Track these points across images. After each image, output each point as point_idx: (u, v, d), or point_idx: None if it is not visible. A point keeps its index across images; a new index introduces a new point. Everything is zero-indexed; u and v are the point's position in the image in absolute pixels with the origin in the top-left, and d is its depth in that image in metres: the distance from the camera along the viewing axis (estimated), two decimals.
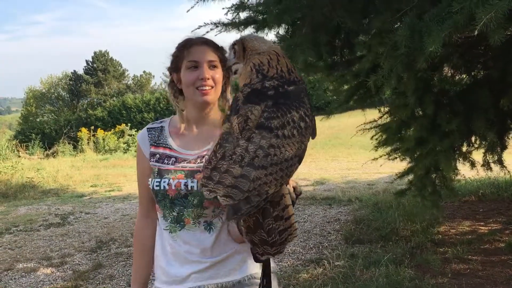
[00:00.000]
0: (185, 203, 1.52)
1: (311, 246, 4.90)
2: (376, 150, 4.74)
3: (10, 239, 6.03)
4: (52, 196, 9.36)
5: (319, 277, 3.93)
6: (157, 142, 1.64)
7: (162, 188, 1.54)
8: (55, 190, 9.96)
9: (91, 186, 10.32)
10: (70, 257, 5.14)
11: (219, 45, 1.62)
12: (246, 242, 1.51)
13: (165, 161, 1.59)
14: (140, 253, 1.71)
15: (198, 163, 1.55)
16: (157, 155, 1.61)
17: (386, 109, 4.37)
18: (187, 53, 1.56)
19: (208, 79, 1.54)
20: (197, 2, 3.58)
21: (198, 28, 3.48)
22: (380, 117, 4.43)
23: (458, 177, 4.63)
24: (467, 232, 4.95)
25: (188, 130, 1.65)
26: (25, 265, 4.92)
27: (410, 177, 4.50)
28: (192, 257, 1.55)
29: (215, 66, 1.57)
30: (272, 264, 1.62)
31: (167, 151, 1.61)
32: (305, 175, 9.18)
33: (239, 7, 3.60)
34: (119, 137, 17.95)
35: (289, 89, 1.27)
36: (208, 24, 3.61)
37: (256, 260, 1.37)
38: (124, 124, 19.24)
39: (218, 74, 1.58)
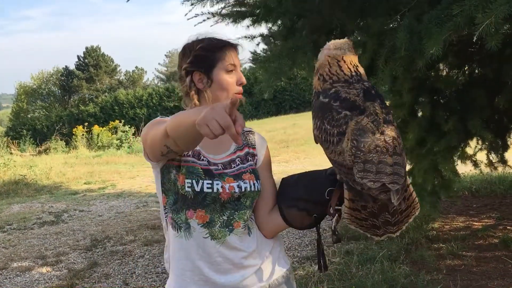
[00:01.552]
0: (237, 205, 1.48)
1: (307, 243, 4.93)
2: None
3: (4, 238, 6.00)
4: (45, 193, 9.31)
5: (315, 274, 3.95)
6: None
7: (215, 191, 1.45)
8: (48, 187, 9.91)
9: (85, 183, 10.28)
10: (65, 255, 5.12)
11: None
12: (275, 239, 1.61)
13: (203, 159, 1.49)
14: None
15: (234, 167, 1.52)
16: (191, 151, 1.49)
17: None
18: (224, 54, 1.52)
19: (244, 82, 1.55)
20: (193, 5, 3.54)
21: (195, 16, 3.44)
22: None
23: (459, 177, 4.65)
24: (461, 228, 4.99)
25: None
26: (19, 264, 4.90)
27: (410, 179, 4.51)
28: (239, 264, 1.50)
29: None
30: (287, 266, 1.65)
31: (199, 150, 1.51)
32: (301, 171, 9.19)
33: (237, 4, 3.58)
34: (112, 134, 17.87)
35: (376, 88, 1.39)
36: (205, 13, 3.57)
37: (337, 241, 1.46)
38: (118, 121, 19.13)
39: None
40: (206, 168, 1.47)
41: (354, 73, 1.39)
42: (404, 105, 3.51)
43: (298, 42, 3.20)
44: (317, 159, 11.38)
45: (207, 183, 1.44)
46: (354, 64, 1.41)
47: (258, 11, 3.52)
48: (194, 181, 1.43)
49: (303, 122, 18.63)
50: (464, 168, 6.87)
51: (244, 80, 1.54)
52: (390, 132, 1.27)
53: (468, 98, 3.43)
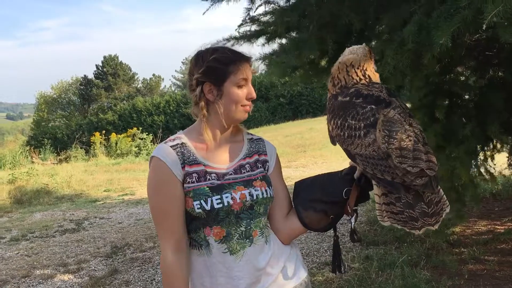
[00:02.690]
0: (251, 214, 1.48)
1: (326, 248, 4.90)
2: None
3: (27, 246, 6.11)
4: (66, 201, 9.45)
5: (334, 280, 3.93)
6: (188, 160, 1.49)
7: (226, 204, 1.44)
8: (69, 195, 10.06)
9: (104, 190, 10.41)
10: (86, 263, 5.19)
11: None
12: (292, 246, 1.63)
13: (209, 179, 1.48)
14: None
15: (244, 172, 1.53)
16: (195, 175, 1.48)
17: None
18: (236, 68, 1.50)
19: (255, 97, 1.55)
20: (212, 5, 3.58)
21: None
22: None
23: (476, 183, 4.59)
24: (483, 232, 4.91)
25: (212, 143, 1.54)
26: (42, 272, 4.98)
27: None
28: (257, 275, 1.51)
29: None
30: (305, 273, 1.65)
31: (205, 168, 1.50)
32: None
33: (251, 21, 3.61)
34: (131, 140, 18.06)
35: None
36: (220, 41, 3.61)
37: (357, 240, 1.49)
38: (136, 128, 19.33)
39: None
40: (212, 185, 1.47)
41: (362, 78, 1.43)
42: (421, 111, 3.47)
43: (304, 37, 3.21)
44: (334, 164, 11.32)
45: (216, 199, 1.44)
46: (363, 70, 1.44)
47: (271, 28, 3.56)
48: (202, 201, 1.44)
49: (320, 126, 18.56)
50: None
51: (254, 95, 1.53)
52: (416, 125, 1.34)
53: (486, 102, 3.38)
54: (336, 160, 12.18)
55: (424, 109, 3.46)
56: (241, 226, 1.47)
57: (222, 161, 1.54)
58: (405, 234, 4.84)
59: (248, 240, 1.47)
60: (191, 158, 1.50)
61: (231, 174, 1.51)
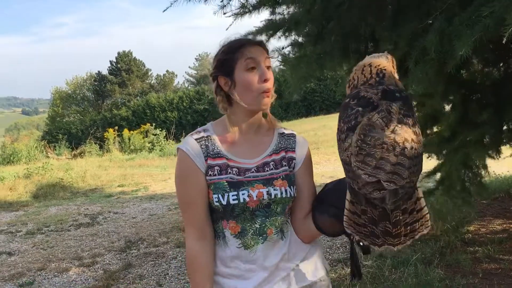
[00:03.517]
0: (267, 212, 1.47)
1: (338, 245, 4.89)
2: None
3: (42, 239, 6.20)
4: (81, 196, 9.56)
5: (347, 277, 3.92)
6: (212, 153, 1.51)
7: (241, 201, 1.45)
8: (83, 190, 10.18)
9: (118, 186, 10.50)
10: (101, 257, 5.25)
11: (267, 49, 1.55)
12: (313, 242, 1.60)
13: (230, 173, 1.48)
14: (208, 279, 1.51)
15: (267, 170, 1.51)
16: (217, 168, 1.49)
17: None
18: (242, 53, 1.48)
19: (270, 78, 1.48)
20: (234, 20, 3.57)
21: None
22: None
23: (489, 173, 4.54)
24: (498, 231, 4.86)
25: (237, 137, 1.54)
26: (57, 265, 5.05)
27: (438, 175, 4.43)
28: (270, 270, 1.51)
29: (269, 66, 1.50)
30: (323, 273, 1.62)
31: (228, 162, 1.50)
32: (331, 173, 9.13)
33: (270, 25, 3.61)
34: (144, 137, 18.20)
35: (406, 94, 1.31)
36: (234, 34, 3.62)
37: (365, 252, 1.42)
38: (149, 124, 19.47)
39: (273, 76, 1.51)
40: (231, 181, 1.47)
41: (374, 75, 1.35)
42: (434, 98, 3.44)
43: (326, 47, 3.19)
44: None
45: (232, 195, 1.45)
46: (380, 68, 1.36)
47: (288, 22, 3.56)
48: (220, 195, 1.45)
49: (333, 123, 18.41)
50: (500, 169, 6.71)
51: (268, 76, 1.47)
52: (403, 133, 1.20)
53: (504, 91, 3.34)
54: None
55: (439, 96, 3.43)
56: (256, 223, 1.47)
57: (246, 155, 1.53)
58: None
59: (261, 237, 1.48)
60: (215, 151, 1.51)
61: (253, 171, 1.49)
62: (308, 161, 1.59)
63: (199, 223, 1.50)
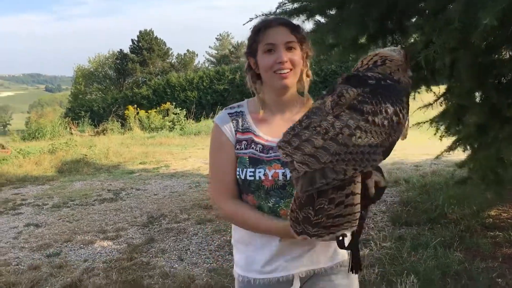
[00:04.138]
0: (282, 194, 1.48)
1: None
2: (441, 140, 4.56)
3: (68, 213, 6.38)
4: (104, 172, 9.76)
5: (366, 258, 3.97)
6: (241, 128, 1.57)
7: (257, 178, 1.49)
8: (106, 166, 10.39)
9: (140, 163, 10.68)
10: (124, 231, 5.39)
11: (297, 25, 1.56)
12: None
13: (253, 148, 1.53)
14: (257, 216, 1.52)
15: None
16: (244, 142, 1.55)
17: (442, 90, 4.25)
18: (263, 36, 1.52)
19: (286, 62, 1.49)
20: None
21: (250, 20, 3.48)
22: (435, 100, 4.28)
23: None
24: None
25: (268, 115, 1.59)
26: (83, 238, 5.21)
27: (471, 165, 4.38)
28: (284, 247, 1.54)
29: (292, 48, 1.52)
30: (341, 260, 1.61)
31: (254, 138, 1.55)
32: None
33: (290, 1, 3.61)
34: (164, 116, 18.36)
35: (392, 83, 1.27)
36: (259, 16, 3.61)
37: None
38: (169, 103, 19.61)
39: (297, 56, 1.52)
40: (253, 156, 1.52)
41: (371, 63, 1.33)
42: (463, 90, 3.41)
43: (344, 15, 3.19)
44: None
45: (250, 171, 1.51)
46: (383, 58, 1.33)
47: (312, 5, 3.54)
48: (240, 170, 1.53)
49: None
50: None
51: (283, 58, 1.48)
52: (349, 120, 1.16)
53: None
54: None
55: (468, 89, 3.39)
56: (269, 202, 1.49)
57: (274, 134, 1.53)
58: (439, 215, 4.82)
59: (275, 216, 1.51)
60: (244, 126, 1.58)
61: (276, 150, 1.48)
62: None
63: (228, 191, 1.56)
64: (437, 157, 4.76)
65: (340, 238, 1.34)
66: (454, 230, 4.39)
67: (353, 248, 1.42)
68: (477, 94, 3.72)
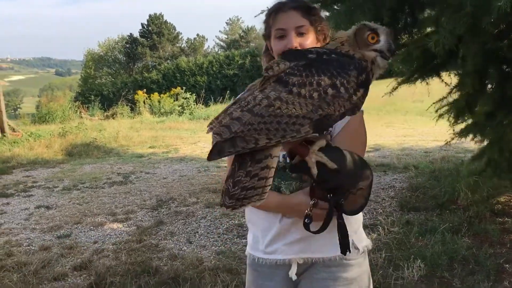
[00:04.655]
0: (283, 175, 1.48)
1: (365, 211, 4.93)
2: (453, 128, 4.51)
3: (78, 195, 6.46)
4: (113, 156, 9.84)
5: (373, 242, 3.97)
6: None
7: None
8: (116, 150, 10.46)
9: (149, 147, 10.74)
10: (133, 213, 5.45)
11: (311, 7, 1.53)
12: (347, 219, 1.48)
13: None
14: None
15: None
16: None
17: (454, 81, 4.20)
18: (274, 20, 1.51)
19: (297, 47, 1.47)
20: None
21: (261, 13, 3.44)
22: (449, 92, 4.23)
23: None
24: None
25: None
26: (93, 220, 5.27)
27: (485, 158, 4.34)
28: (283, 230, 1.55)
29: (303, 33, 1.49)
30: (366, 243, 1.60)
31: None
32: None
33: None
34: (174, 100, 18.39)
35: (334, 57, 1.23)
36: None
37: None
38: (179, 88, 19.62)
39: (309, 40, 1.50)
40: None
41: (337, 40, 1.30)
42: (472, 77, 3.37)
43: (358, 1, 3.16)
44: (376, 130, 11.22)
45: None
46: (350, 35, 1.28)
47: None
48: None
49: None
50: None
51: (291, 45, 1.47)
52: (271, 92, 1.17)
53: None
54: (378, 127, 12.05)
55: (477, 75, 3.35)
56: (274, 181, 1.45)
57: None
58: (448, 201, 4.81)
59: (289, 187, 1.50)
60: None
61: None
62: (350, 128, 1.49)
63: None
64: (446, 143, 4.72)
65: (307, 220, 1.35)
66: (462, 216, 4.37)
67: (341, 228, 1.37)
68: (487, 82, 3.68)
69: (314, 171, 1.25)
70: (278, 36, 1.50)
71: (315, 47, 1.29)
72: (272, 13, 1.52)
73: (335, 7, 3.76)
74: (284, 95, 1.15)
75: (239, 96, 1.28)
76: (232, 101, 1.27)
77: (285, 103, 1.15)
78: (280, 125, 1.15)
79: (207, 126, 1.21)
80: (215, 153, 1.17)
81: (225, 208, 1.20)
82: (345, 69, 1.20)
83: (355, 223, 1.59)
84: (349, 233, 1.51)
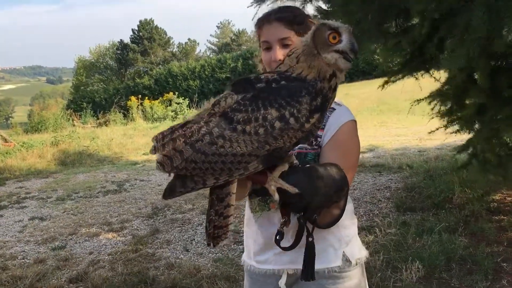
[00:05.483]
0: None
1: (362, 213, 4.93)
2: (440, 118, 4.52)
3: (72, 205, 6.40)
4: (107, 164, 9.78)
5: (370, 245, 3.97)
6: None
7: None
8: (109, 158, 10.41)
9: (143, 154, 10.69)
10: (129, 222, 5.41)
11: (294, 16, 1.49)
12: (328, 232, 1.47)
13: None
14: None
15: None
16: None
17: (443, 75, 4.20)
18: (260, 32, 1.51)
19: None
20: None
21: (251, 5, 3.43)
22: (441, 88, 4.24)
23: None
24: None
25: None
26: (87, 230, 5.23)
27: (470, 149, 4.35)
28: (267, 241, 1.54)
29: (288, 44, 1.46)
30: (360, 255, 1.56)
31: None
32: None
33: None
34: (167, 106, 18.34)
35: (284, 84, 1.16)
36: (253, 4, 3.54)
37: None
38: (172, 93, 19.58)
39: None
40: None
41: (290, 55, 1.23)
42: (462, 71, 3.36)
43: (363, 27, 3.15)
44: (369, 130, 11.23)
45: None
46: (307, 42, 1.20)
47: None
48: None
49: (357, 92, 18.31)
50: None
51: (275, 57, 1.45)
52: (214, 128, 1.12)
53: None
54: (372, 128, 12.08)
55: (467, 70, 3.35)
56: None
57: None
58: (443, 200, 4.81)
59: (266, 205, 1.48)
60: None
61: None
62: (338, 139, 1.46)
63: None
64: (424, 138, 4.72)
65: (278, 237, 1.32)
66: (458, 215, 4.38)
67: (307, 253, 1.33)
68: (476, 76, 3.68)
69: (276, 197, 1.20)
70: (264, 48, 1.50)
71: (266, 73, 1.23)
72: (258, 25, 1.52)
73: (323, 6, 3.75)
74: (228, 133, 1.11)
75: (190, 115, 1.24)
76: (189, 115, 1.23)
77: (228, 141, 1.11)
78: (225, 165, 1.12)
79: (152, 139, 1.19)
80: (167, 192, 1.18)
81: (208, 246, 1.24)
82: (295, 96, 1.14)
83: (346, 236, 1.56)
84: (339, 245, 1.53)
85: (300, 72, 1.18)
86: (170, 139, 1.14)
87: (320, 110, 1.16)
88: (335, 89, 1.21)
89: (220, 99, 1.17)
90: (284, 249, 1.32)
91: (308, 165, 1.29)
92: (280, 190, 1.19)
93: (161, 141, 1.15)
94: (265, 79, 1.17)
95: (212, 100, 1.20)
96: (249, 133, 1.11)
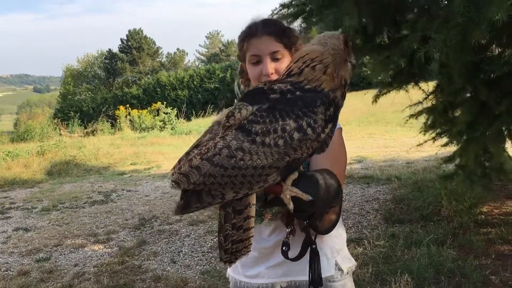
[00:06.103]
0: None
1: (350, 225, 4.91)
2: (424, 134, 4.58)
3: (58, 216, 6.30)
4: (94, 174, 9.67)
5: (359, 257, 3.95)
6: None
7: None
8: (96, 168, 10.29)
9: (131, 164, 10.60)
10: (115, 233, 5.33)
11: (283, 29, 1.50)
12: (322, 241, 1.48)
13: None
14: None
15: None
16: None
17: (431, 88, 4.24)
18: (248, 45, 1.49)
19: (272, 73, 1.45)
20: None
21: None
22: (425, 98, 4.29)
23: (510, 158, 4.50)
24: (511, 212, 4.84)
25: None
26: (73, 241, 5.14)
27: (457, 160, 4.38)
28: (265, 252, 1.53)
29: (278, 58, 1.47)
30: (350, 263, 1.58)
31: None
32: (352, 153, 9.12)
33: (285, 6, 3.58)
34: (155, 116, 18.26)
35: (299, 94, 1.16)
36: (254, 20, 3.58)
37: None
38: (160, 102, 19.51)
39: (284, 63, 1.44)
40: None
41: (284, 75, 1.25)
42: (453, 87, 3.39)
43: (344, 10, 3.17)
44: (358, 142, 11.28)
45: None
46: (307, 59, 1.21)
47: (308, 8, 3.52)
48: None
49: (355, 101, 18.33)
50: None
51: (267, 71, 1.45)
52: (232, 141, 1.10)
53: None
54: (365, 137, 12.13)
55: (459, 86, 3.38)
56: (255, 205, 1.43)
57: None
58: (431, 212, 4.82)
59: (259, 218, 1.48)
60: None
61: None
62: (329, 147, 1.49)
63: None
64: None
65: (284, 248, 1.33)
66: (447, 227, 4.38)
67: (312, 262, 1.36)
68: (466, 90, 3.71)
69: (291, 206, 1.19)
70: (253, 62, 1.48)
71: (278, 83, 1.22)
72: (246, 38, 1.49)
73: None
74: (247, 145, 1.09)
75: (200, 137, 1.20)
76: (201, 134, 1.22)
77: (248, 154, 1.09)
78: (245, 178, 1.10)
79: (168, 177, 1.15)
80: (181, 208, 1.14)
81: (223, 263, 1.19)
82: (311, 107, 1.14)
83: (338, 243, 1.58)
84: (332, 254, 1.54)
85: (319, 85, 1.19)
86: (186, 160, 1.11)
87: (333, 120, 1.18)
88: (344, 97, 1.23)
89: (234, 110, 1.15)
90: (292, 259, 1.33)
91: (309, 172, 1.28)
92: (293, 199, 1.18)
93: (177, 166, 1.12)
94: (279, 89, 1.17)
95: (224, 111, 1.18)
96: (269, 145, 1.10)
